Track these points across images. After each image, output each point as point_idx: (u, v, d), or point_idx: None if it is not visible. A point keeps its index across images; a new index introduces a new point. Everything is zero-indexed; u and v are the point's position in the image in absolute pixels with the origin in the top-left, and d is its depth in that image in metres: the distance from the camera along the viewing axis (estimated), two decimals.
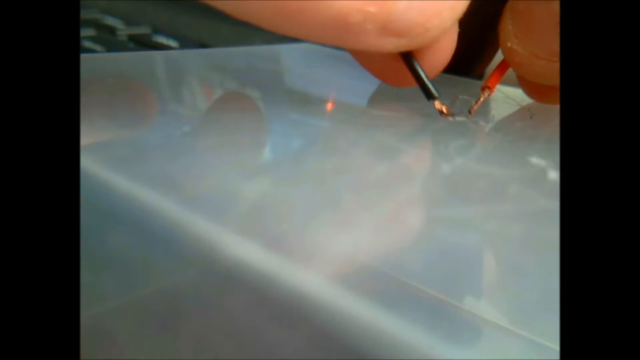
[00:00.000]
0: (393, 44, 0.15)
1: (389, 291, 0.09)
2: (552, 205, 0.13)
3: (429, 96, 0.17)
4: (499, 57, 0.19)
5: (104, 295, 0.10)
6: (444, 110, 0.18)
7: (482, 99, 0.19)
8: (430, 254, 0.11)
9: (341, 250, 0.11)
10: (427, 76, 0.17)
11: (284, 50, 0.28)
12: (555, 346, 0.08)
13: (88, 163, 0.12)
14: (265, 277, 0.10)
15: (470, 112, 0.18)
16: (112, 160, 0.13)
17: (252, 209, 0.12)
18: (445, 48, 0.17)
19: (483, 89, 0.19)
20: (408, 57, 0.17)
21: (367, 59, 0.18)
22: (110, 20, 0.37)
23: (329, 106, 0.21)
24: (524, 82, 0.20)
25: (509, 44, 0.17)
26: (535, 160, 0.16)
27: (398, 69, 0.17)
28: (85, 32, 0.34)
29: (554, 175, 0.14)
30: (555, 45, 0.16)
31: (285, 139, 0.17)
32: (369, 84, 0.22)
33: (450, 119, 0.18)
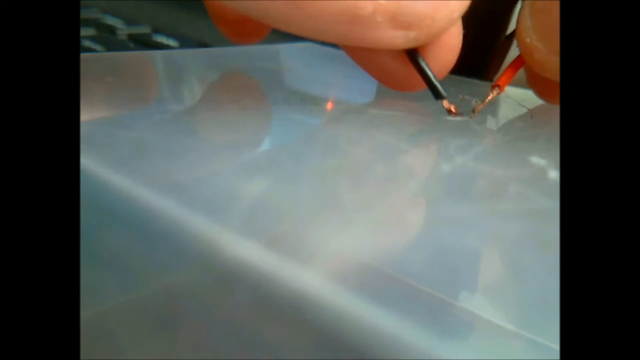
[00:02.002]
0: (402, 38, 0.15)
1: (389, 290, 0.09)
2: (552, 204, 0.13)
3: (437, 95, 0.17)
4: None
5: (104, 294, 0.10)
6: (452, 109, 0.18)
7: (489, 98, 0.18)
8: (430, 253, 0.11)
9: (341, 250, 0.11)
10: (434, 75, 0.17)
11: (283, 49, 0.28)
12: (555, 346, 0.08)
13: (87, 162, 0.12)
14: (265, 277, 0.10)
15: (474, 111, 0.18)
16: (112, 160, 0.13)
17: (252, 208, 0.12)
18: (451, 46, 0.17)
19: (493, 87, 0.18)
20: (414, 55, 0.17)
21: (371, 63, 0.18)
22: (110, 20, 0.37)
23: (329, 105, 0.21)
24: (535, 82, 0.20)
25: (528, 40, 0.17)
26: (535, 159, 0.16)
27: (403, 72, 0.17)
28: (85, 31, 0.34)
29: (554, 174, 0.14)
30: None
31: (285, 138, 0.17)
32: (369, 83, 0.22)
33: (459, 118, 0.18)
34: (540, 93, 0.20)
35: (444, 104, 0.18)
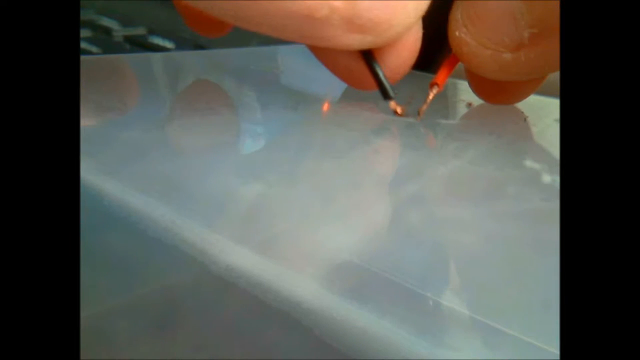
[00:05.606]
0: (358, 41, 0.15)
1: (386, 293, 0.09)
2: (549, 205, 0.13)
3: (386, 96, 0.18)
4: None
5: (103, 295, 0.10)
6: (399, 111, 0.18)
7: (430, 97, 0.18)
8: (427, 255, 0.11)
9: (337, 253, 0.11)
10: (385, 77, 0.17)
11: (280, 51, 0.28)
12: (554, 349, 0.08)
13: (86, 165, 0.12)
14: (261, 278, 0.10)
15: (419, 113, 0.18)
16: (110, 161, 0.13)
17: (248, 210, 0.12)
18: (408, 49, 0.17)
19: (431, 85, 0.18)
20: (368, 57, 0.17)
21: (331, 60, 0.18)
22: (106, 21, 0.37)
23: (325, 107, 0.21)
24: (472, 79, 0.19)
25: (457, 33, 0.17)
26: (532, 160, 0.16)
27: (359, 72, 0.17)
28: (81, 33, 0.34)
29: (551, 175, 0.14)
30: (504, 36, 0.16)
31: (281, 139, 0.17)
32: None
33: (404, 119, 0.18)
34: (477, 90, 0.20)
35: (391, 105, 0.18)
